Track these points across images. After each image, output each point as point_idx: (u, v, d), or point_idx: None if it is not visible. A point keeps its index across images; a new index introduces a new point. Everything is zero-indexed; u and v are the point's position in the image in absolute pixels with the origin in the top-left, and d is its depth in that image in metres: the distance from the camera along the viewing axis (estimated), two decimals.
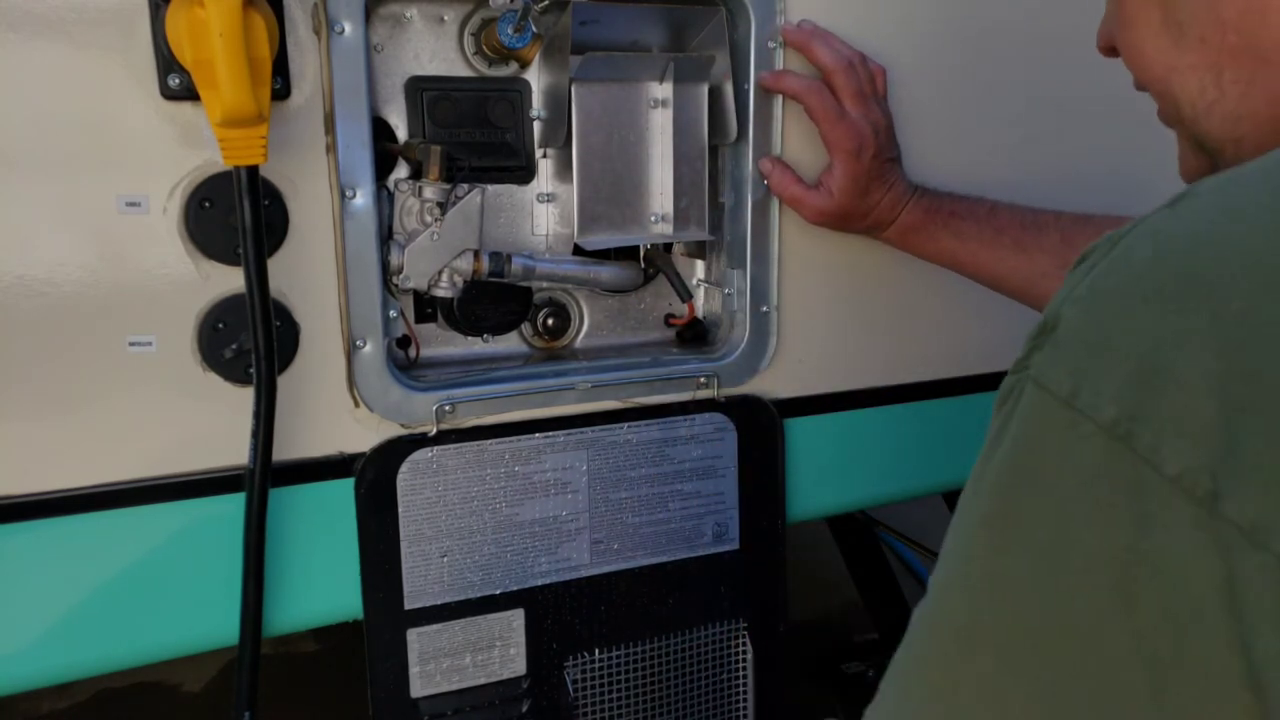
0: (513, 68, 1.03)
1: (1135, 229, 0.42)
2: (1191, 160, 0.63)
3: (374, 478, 0.96)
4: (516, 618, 1.04)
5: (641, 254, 1.12)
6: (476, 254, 0.99)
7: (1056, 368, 0.41)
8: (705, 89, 1.05)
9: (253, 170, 0.82)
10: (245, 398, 0.88)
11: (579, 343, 1.13)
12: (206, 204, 0.86)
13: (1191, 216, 0.41)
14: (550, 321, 1.10)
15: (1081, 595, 0.39)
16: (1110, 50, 0.67)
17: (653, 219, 1.06)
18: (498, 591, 1.03)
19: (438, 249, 0.97)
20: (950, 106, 1.14)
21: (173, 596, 0.92)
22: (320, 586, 0.97)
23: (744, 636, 1.14)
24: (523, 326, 1.09)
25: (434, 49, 1.00)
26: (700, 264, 1.16)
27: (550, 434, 1.03)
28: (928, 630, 0.47)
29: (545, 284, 1.08)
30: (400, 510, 0.97)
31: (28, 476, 0.86)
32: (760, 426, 1.11)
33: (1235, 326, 0.37)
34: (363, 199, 0.91)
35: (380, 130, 0.97)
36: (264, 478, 0.88)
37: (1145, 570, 0.37)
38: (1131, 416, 0.38)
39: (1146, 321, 0.39)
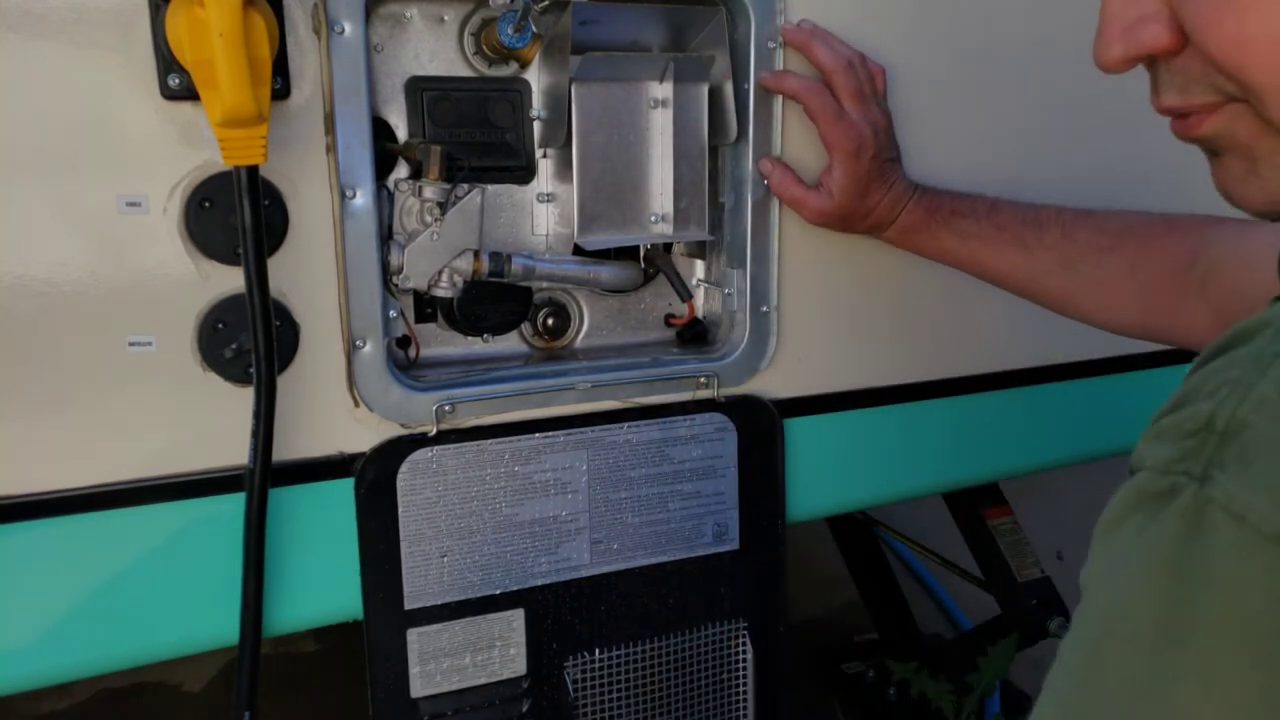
0: (513, 68, 1.03)
1: None
2: None
3: (374, 478, 0.96)
4: (516, 618, 1.04)
5: (641, 254, 1.12)
6: (476, 254, 0.99)
7: (1258, 495, 0.34)
8: (705, 89, 1.05)
9: (253, 170, 0.82)
10: (245, 398, 0.88)
11: (579, 343, 1.13)
12: (206, 204, 0.86)
13: None
14: (550, 321, 1.10)
15: None
16: (1162, 50, 0.47)
17: (653, 219, 1.06)
18: (497, 591, 1.03)
19: (438, 249, 0.97)
20: (950, 106, 1.14)
21: (173, 596, 0.92)
22: (320, 586, 0.97)
23: (744, 636, 1.14)
24: (523, 326, 1.09)
25: (434, 49, 1.00)
26: (700, 264, 1.15)
27: (550, 434, 1.03)
28: None
29: (545, 284, 1.08)
30: (400, 510, 0.97)
31: (28, 476, 0.86)
32: (760, 426, 1.11)
33: None
34: (363, 199, 0.91)
35: (380, 130, 0.97)
36: (264, 478, 0.88)
37: None
38: None
39: None
